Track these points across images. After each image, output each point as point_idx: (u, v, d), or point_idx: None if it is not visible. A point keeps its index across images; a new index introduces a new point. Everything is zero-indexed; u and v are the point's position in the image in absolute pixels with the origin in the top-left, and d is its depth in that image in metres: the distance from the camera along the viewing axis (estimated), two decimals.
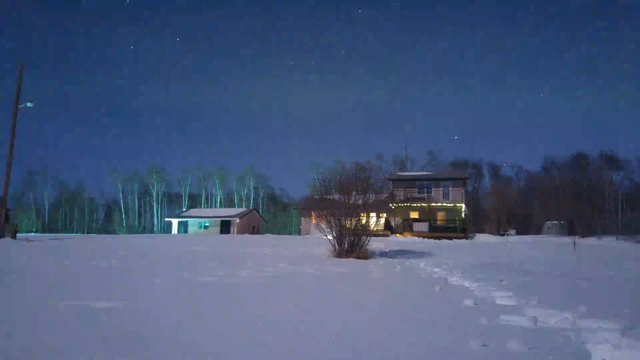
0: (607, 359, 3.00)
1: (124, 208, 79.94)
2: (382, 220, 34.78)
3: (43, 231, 69.24)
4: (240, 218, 55.65)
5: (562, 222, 55.29)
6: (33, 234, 52.32)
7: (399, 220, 38.52)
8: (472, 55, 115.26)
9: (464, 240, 32.76)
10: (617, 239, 35.69)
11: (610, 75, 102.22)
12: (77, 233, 69.37)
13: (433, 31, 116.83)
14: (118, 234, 62.44)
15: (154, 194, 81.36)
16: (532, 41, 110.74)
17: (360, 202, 14.41)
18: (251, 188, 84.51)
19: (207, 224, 57.18)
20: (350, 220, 14.13)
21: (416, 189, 40.44)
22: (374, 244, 18.00)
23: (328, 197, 15.42)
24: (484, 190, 70.02)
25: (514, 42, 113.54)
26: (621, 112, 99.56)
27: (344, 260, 12.68)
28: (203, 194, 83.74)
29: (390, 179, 40.94)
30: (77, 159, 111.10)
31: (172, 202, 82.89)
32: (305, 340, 3.31)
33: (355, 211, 14.16)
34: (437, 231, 36.90)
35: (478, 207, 60.77)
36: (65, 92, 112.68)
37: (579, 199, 54.42)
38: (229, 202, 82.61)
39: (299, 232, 55.12)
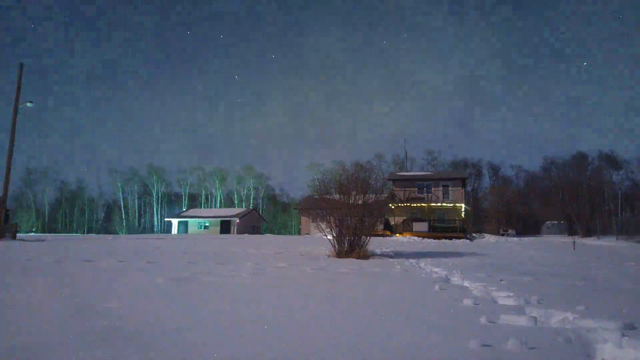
0: (607, 359, 3.00)
1: (124, 208, 79.91)
2: (382, 220, 34.76)
3: (43, 231, 69.20)
4: (240, 218, 55.64)
5: (562, 222, 55.28)
6: (33, 233, 52.29)
7: (399, 220, 38.50)
8: (472, 54, 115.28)
9: (463, 240, 32.77)
10: (616, 239, 35.70)
11: (610, 75, 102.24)
12: (77, 233, 69.37)
13: (432, 30, 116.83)
14: (118, 234, 62.43)
15: (154, 194, 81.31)
16: (532, 40, 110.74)
17: (360, 202, 14.39)
18: (251, 188, 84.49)
19: (207, 224, 57.18)
20: (350, 220, 14.11)
21: (416, 189, 40.43)
22: (374, 244, 18.00)
23: (328, 197, 15.41)
24: (484, 190, 70.04)
25: (514, 41, 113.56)
26: (621, 112, 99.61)
27: (344, 260, 12.68)
28: (203, 194, 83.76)
29: (390, 179, 40.96)
30: (77, 159, 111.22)
31: (172, 202, 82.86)
32: (305, 340, 3.31)
33: (355, 211, 14.14)
34: (437, 231, 36.92)
35: (478, 207, 60.76)
36: (65, 91, 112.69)
37: (579, 199, 54.40)
38: (229, 202, 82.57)
39: (299, 232, 55.11)
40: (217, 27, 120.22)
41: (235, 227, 54.78)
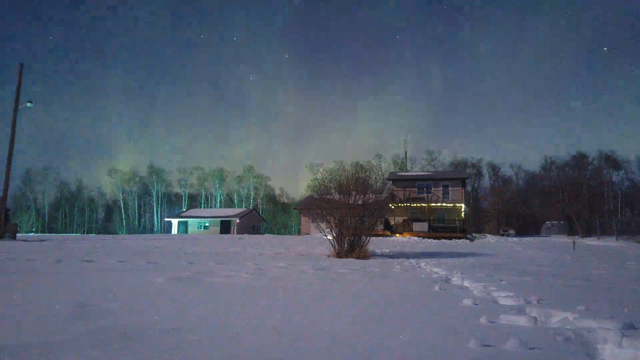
0: (607, 359, 2.99)
1: (124, 208, 79.92)
2: (382, 220, 34.77)
3: (43, 231, 69.17)
4: (240, 218, 55.65)
5: (562, 222, 55.31)
6: (33, 233, 52.28)
7: (399, 220, 38.50)
8: (472, 54, 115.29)
9: (463, 240, 32.79)
10: (616, 238, 35.70)
11: (610, 75, 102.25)
12: (77, 233, 69.33)
13: (432, 29, 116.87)
14: (118, 234, 62.43)
15: (154, 194, 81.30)
16: (532, 40, 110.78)
17: (360, 202, 14.39)
18: (251, 188, 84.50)
19: (207, 224, 57.19)
20: (350, 220, 14.11)
21: (416, 189, 40.43)
22: (374, 244, 18.01)
23: (328, 197, 15.41)
24: (484, 190, 70.04)
25: (514, 42, 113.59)
26: (621, 112, 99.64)
27: (344, 260, 12.68)
28: (203, 194, 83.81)
29: (390, 179, 40.94)
30: (77, 159, 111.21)
31: (172, 202, 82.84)
32: (304, 340, 3.31)
33: (355, 211, 14.14)
34: (437, 231, 36.92)
35: (478, 207, 60.79)
36: (65, 91, 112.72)
37: (579, 199, 54.41)
38: (228, 202, 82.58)
39: (299, 232, 55.11)
40: (218, 26, 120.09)
41: (235, 227, 54.78)
